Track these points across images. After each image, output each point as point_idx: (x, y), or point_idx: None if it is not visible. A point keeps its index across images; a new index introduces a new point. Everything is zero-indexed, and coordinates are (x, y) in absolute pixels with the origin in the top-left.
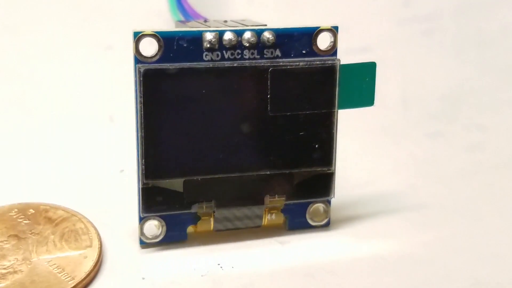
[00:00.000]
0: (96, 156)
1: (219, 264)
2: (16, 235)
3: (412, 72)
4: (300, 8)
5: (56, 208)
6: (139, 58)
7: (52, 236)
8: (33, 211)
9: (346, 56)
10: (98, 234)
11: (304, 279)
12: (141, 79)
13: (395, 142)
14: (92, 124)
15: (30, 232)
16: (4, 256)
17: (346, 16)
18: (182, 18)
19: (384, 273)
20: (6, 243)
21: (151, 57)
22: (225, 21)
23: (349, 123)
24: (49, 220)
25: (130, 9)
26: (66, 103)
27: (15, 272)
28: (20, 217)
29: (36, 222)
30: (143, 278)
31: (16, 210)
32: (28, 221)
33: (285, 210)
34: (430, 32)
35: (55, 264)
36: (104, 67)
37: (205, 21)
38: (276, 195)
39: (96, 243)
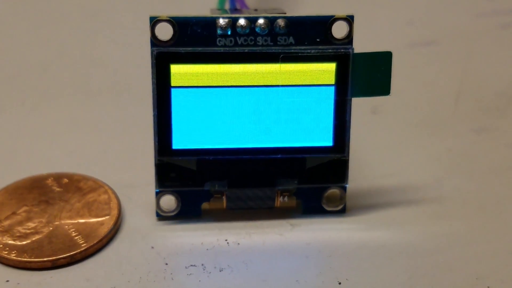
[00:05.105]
0: (138, 135)
1: (226, 240)
2: (46, 201)
3: (476, 66)
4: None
5: (88, 179)
6: (154, 42)
7: (77, 204)
8: (67, 181)
9: (409, 48)
10: (119, 205)
11: (301, 261)
12: (154, 61)
13: (437, 135)
14: (139, 105)
15: (59, 199)
16: (30, 218)
17: (420, 8)
18: (226, 7)
19: (384, 262)
20: (36, 207)
21: (167, 41)
22: (256, 10)
23: (393, 113)
24: (79, 189)
25: None
26: (117, 82)
27: (36, 233)
28: (54, 185)
29: (67, 190)
30: (152, 247)
31: (52, 178)
32: (60, 189)
33: (298, 194)
34: (509, 26)
35: (73, 228)
36: None
37: (235, 9)
38: (288, 178)
39: (115, 212)
